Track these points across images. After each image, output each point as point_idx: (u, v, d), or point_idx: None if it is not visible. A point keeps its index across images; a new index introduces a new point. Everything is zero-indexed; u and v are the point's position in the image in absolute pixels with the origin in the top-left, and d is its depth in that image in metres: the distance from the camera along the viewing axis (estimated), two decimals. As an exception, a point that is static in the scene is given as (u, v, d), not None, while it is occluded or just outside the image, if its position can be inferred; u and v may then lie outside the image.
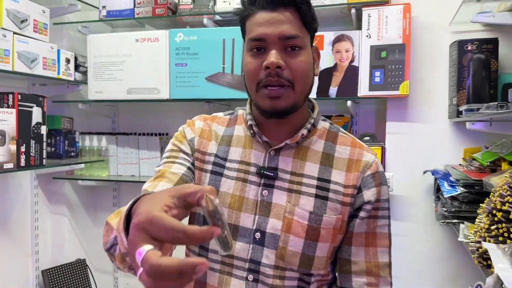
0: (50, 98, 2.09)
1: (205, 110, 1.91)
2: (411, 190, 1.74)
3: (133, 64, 1.93)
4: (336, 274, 0.94)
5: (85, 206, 2.34)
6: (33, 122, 1.68)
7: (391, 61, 1.67)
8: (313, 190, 0.87)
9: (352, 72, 1.72)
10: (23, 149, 1.64)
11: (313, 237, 0.86)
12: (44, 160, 1.74)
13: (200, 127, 0.98)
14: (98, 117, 2.28)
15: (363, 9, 1.70)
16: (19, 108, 1.61)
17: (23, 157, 1.64)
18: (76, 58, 1.99)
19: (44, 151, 1.74)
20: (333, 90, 1.74)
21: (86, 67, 2.02)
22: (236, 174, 0.91)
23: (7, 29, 1.59)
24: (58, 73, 1.87)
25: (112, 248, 0.72)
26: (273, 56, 0.82)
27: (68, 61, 1.93)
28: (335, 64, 1.73)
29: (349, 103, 1.74)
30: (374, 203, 0.88)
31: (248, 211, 0.88)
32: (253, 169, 0.90)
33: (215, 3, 1.91)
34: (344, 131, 0.97)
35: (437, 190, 1.66)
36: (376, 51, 1.69)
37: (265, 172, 0.89)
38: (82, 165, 2.09)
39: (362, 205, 0.88)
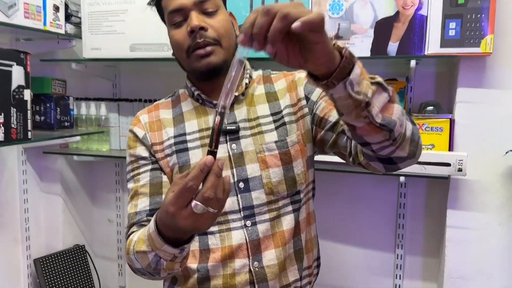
0: (37, 56, 1.72)
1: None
2: (486, 174, 1.39)
3: (138, 13, 1.55)
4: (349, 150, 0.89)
5: (83, 184, 2.01)
6: (13, 86, 1.32)
7: (471, 8, 1.29)
8: (271, 126, 0.97)
9: (418, 23, 1.34)
10: (1, 119, 1.29)
11: (287, 160, 0.95)
12: (30, 133, 1.40)
13: (147, 121, 1.02)
14: (96, 80, 1.91)
15: None
16: (-6, 67, 1.25)
17: (1, 130, 1.29)
18: (67, 6, 1.61)
19: (29, 121, 1.39)
20: (392, 47, 1.37)
21: (80, 18, 1.64)
22: (200, 142, 0.96)
23: (-28, -38, 1.21)
24: (45, 24, 1.49)
25: (157, 265, 0.79)
26: (194, 20, 0.89)
27: (57, 9, 1.55)
28: (397, 13, 1.35)
29: (412, 63, 1.37)
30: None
31: (224, 168, 0.86)
32: None
33: None
34: (276, 72, 1.07)
35: (521, 174, 1.32)
36: (452, -5, 1.31)
37: (227, 127, 0.95)
38: (78, 138, 1.75)
39: (317, 100, 0.96)
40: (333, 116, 0.91)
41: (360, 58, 1.36)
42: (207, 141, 0.95)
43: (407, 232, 1.62)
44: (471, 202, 1.41)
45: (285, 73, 1.05)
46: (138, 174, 0.99)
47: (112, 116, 1.81)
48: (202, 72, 0.93)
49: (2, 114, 1.30)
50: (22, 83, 1.35)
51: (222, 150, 0.94)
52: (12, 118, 1.33)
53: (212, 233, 0.94)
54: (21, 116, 1.36)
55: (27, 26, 1.40)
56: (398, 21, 1.35)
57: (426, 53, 1.34)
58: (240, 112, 0.98)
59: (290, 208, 0.96)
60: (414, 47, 1.35)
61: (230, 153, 0.95)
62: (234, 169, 0.94)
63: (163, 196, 0.96)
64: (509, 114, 1.37)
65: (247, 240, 0.93)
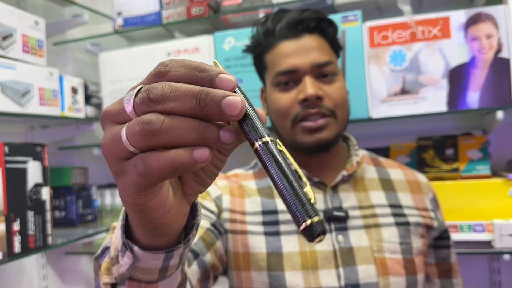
0: (55, 144, 1.54)
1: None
2: None
3: (166, 87, 1.37)
4: None
5: (111, 283, 1.75)
6: (30, 185, 1.12)
7: None
8: (391, 219, 0.80)
9: (500, 67, 1.13)
10: (16, 227, 1.07)
11: (412, 271, 0.77)
12: (50, 238, 1.17)
13: (226, 184, 0.86)
14: (120, 163, 1.71)
15: (505, -28, 1.13)
16: (7, 166, 1.05)
17: (17, 239, 1.07)
18: (86, 87, 1.44)
19: (49, 224, 1.17)
20: (472, 97, 1.15)
21: (101, 98, 1.46)
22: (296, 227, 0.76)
23: (-20, 49, 1.04)
24: (62, 109, 1.31)
25: (102, 255, 0.52)
26: (310, 87, 0.77)
27: (75, 91, 1.37)
28: (473, 58, 1.15)
29: (499, 114, 1.14)
30: (446, 228, 0.86)
31: (327, 266, 0.75)
32: None
33: (273, -7, 1.36)
34: (386, 158, 0.93)
35: None
36: (538, 31, 1.10)
37: (334, 213, 0.77)
38: (104, 234, 1.51)
39: (442, 232, 0.85)
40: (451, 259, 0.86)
41: (435, 114, 1.15)
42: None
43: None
44: None
45: (397, 161, 0.93)
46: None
47: (141, 203, 1.59)
48: (308, 148, 0.80)
49: (18, 220, 1.08)
50: (40, 180, 1.15)
51: (325, 242, 0.77)
52: (29, 223, 1.11)
53: None
54: (40, 219, 1.14)
55: (43, 115, 1.21)
56: (476, 67, 1.14)
57: (515, 100, 1.12)
58: (348, 197, 0.81)
59: None
60: (499, 95, 1.13)
61: (336, 247, 0.77)
62: (341, 269, 0.76)
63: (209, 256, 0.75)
64: None
65: None
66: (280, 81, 0.80)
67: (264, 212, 0.81)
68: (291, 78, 0.80)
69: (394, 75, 1.19)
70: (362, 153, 0.91)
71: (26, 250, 1.10)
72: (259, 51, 0.84)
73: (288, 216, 0.80)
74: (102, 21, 1.57)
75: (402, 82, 1.19)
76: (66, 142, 1.57)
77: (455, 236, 1.18)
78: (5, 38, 1.10)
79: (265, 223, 0.80)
